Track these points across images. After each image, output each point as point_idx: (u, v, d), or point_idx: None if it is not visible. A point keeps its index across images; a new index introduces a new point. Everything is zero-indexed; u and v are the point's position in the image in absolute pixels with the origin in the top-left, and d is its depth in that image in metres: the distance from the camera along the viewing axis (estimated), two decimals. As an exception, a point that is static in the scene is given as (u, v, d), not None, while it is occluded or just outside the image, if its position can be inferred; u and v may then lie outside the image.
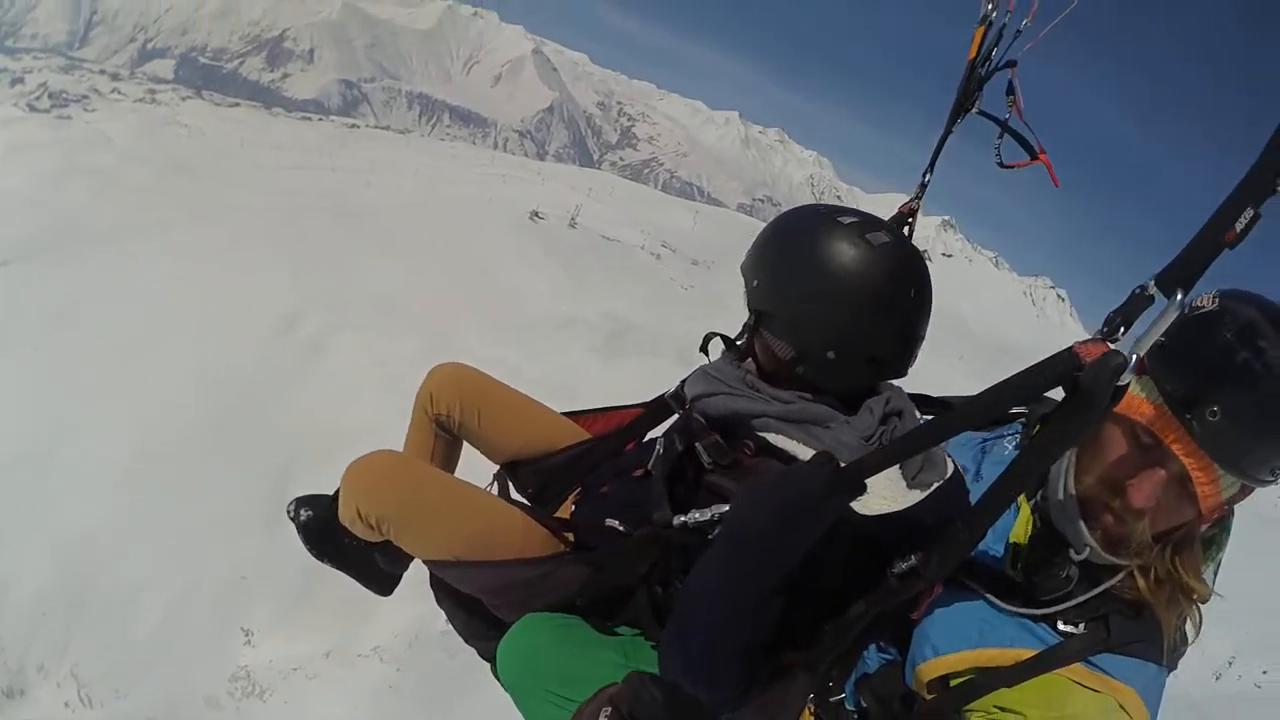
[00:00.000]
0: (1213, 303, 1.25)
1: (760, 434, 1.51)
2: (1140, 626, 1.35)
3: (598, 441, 2.13)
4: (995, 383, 1.09)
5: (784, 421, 1.49)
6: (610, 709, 1.27)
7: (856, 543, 1.33)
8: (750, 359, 1.68)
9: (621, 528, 1.69)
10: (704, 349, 1.80)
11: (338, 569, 2.05)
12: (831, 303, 1.48)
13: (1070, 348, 1.01)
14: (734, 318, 1.86)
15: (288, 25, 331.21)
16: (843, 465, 1.20)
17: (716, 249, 20.42)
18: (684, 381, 1.79)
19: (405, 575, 2.13)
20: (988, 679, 1.36)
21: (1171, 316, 0.94)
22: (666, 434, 1.73)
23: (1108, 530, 1.34)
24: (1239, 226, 0.92)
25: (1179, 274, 0.95)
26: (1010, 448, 1.66)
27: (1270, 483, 1.25)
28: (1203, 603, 1.37)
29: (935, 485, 1.42)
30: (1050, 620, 1.36)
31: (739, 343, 1.75)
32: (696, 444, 1.55)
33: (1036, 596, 1.37)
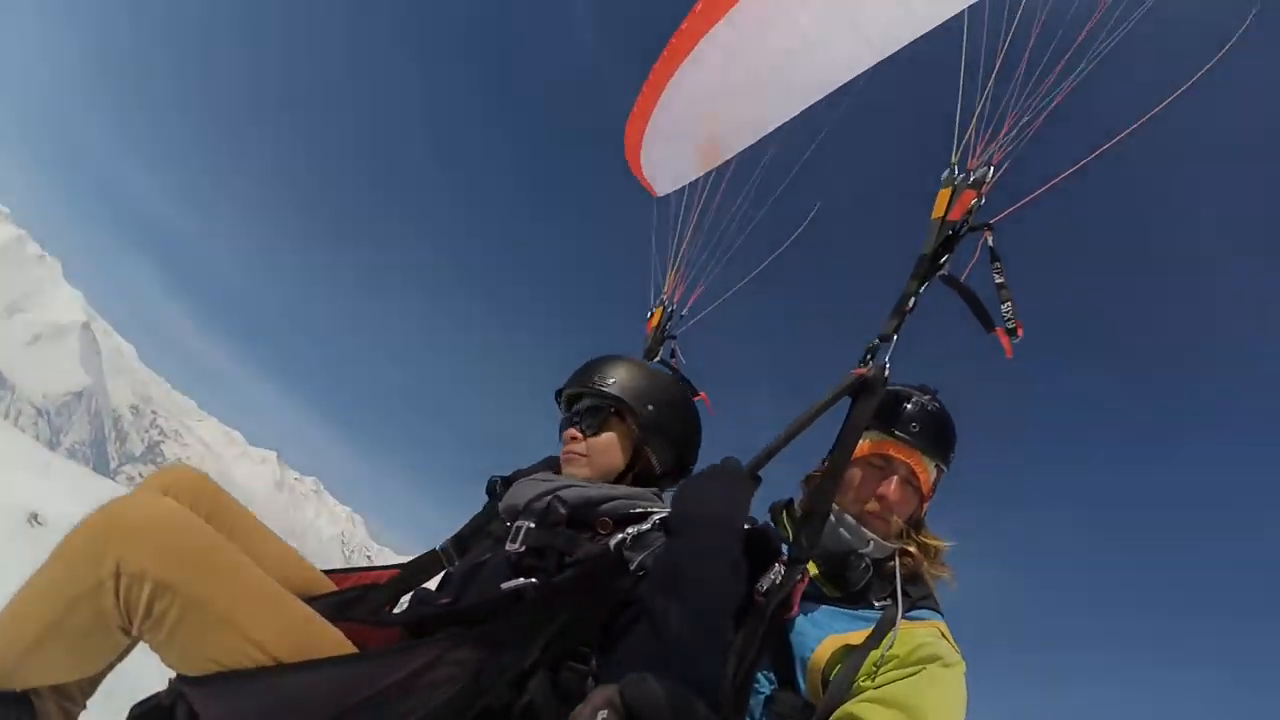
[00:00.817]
0: (892, 385, 2.16)
1: (607, 509, 1.83)
2: (920, 588, 2.08)
3: (371, 588, 2.01)
4: (810, 406, 1.89)
5: (630, 499, 1.88)
6: (607, 711, 1.21)
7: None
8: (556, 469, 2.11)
9: (523, 584, 1.67)
10: (489, 491, 2.20)
11: None
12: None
13: (853, 374, 1.96)
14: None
15: None
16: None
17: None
18: (480, 519, 2.18)
19: None
20: (853, 657, 1.86)
21: (889, 350, 2.03)
22: (514, 525, 1.88)
23: (879, 529, 2.13)
24: (911, 304, 2.10)
25: (885, 333, 2.07)
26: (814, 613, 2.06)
27: (950, 463, 2.24)
28: (945, 553, 2.18)
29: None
30: (867, 602, 2.02)
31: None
32: (559, 527, 1.81)
33: (850, 590, 2.04)
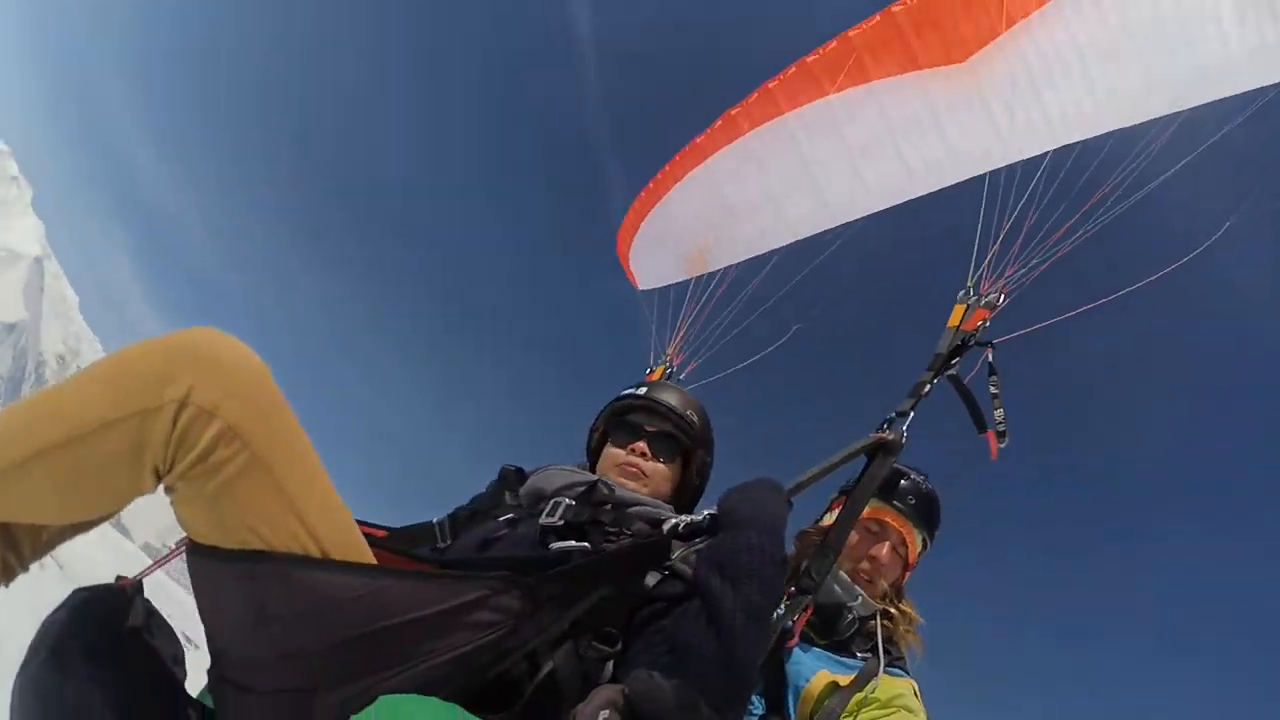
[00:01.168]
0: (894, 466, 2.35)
1: (637, 511, 1.88)
2: (896, 650, 2.25)
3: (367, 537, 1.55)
4: (834, 455, 2.10)
5: (656, 508, 1.94)
6: (609, 711, 1.19)
7: None
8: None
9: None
10: (500, 477, 2.14)
11: None
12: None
13: (873, 435, 2.19)
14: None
15: None
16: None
17: None
18: (484, 503, 2.08)
19: None
20: (840, 695, 2.05)
21: (906, 423, 2.28)
22: (551, 502, 1.86)
23: (866, 588, 2.32)
24: (927, 390, 2.35)
25: (903, 410, 2.31)
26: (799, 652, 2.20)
27: (934, 538, 2.49)
28: (918, 625, 2.34)
29: None
30: (850, 652, 2.19)
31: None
32: (604, 506, 1.84)
33: (835, 639, 2.21)
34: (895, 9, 3.21)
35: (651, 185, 3.69)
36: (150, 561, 1.57)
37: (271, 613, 1.26)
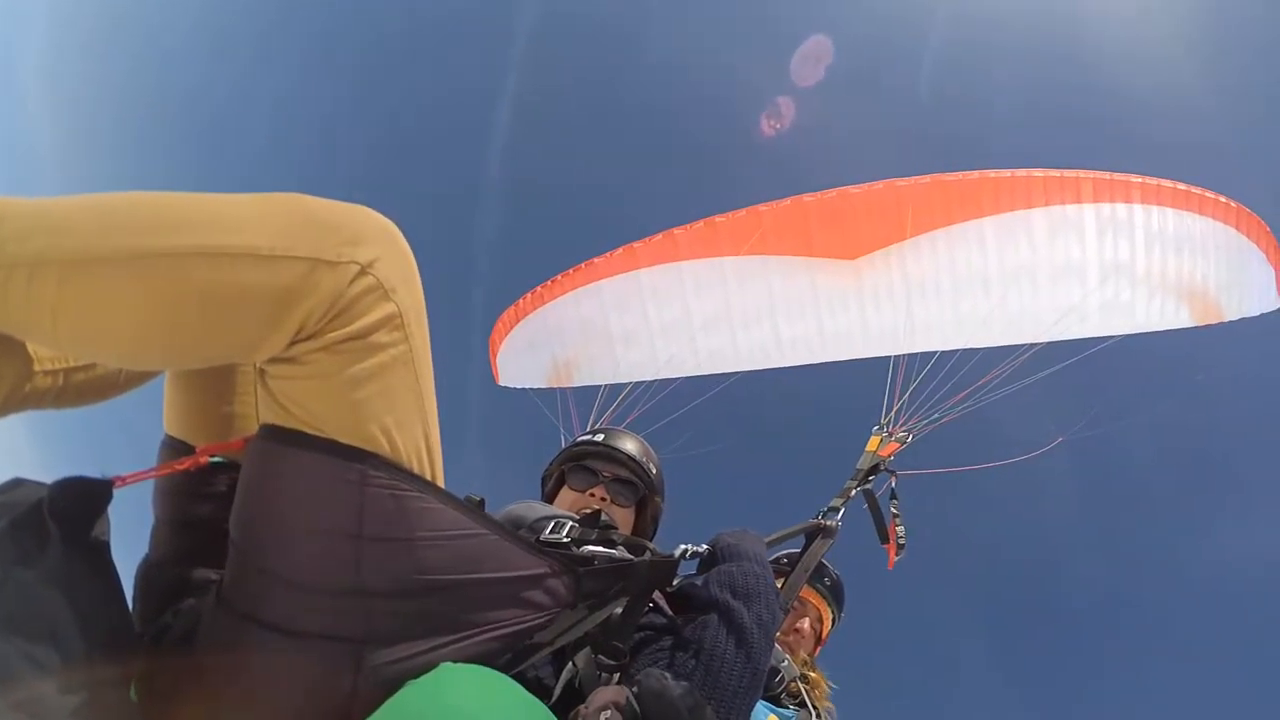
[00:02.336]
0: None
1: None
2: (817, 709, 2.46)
3: None
4: (781, 530, 2.23)
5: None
6: (611, 710, 1.15)
7: None
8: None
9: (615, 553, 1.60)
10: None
11: None
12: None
13: (813, 520, 2.40)
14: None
15: None
16: None
17: None
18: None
19: None
20: None
21: (840, 512, 2.53)
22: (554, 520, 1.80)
23: (790, 655, 2.50)
24: (853, 493, 2.68)
25: (834, 505, 2.56)
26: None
27: (841, 616, 2.88)
28: (828, 695, 2.56)
29: None
30: (780, 703, 2.33)
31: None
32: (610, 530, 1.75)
33: (769, 694, 2.30)
34: (808, 198, 3.36)
35: (540, 289, 3.66)
36: None
37: (369, 533, 1.11)
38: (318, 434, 1.09)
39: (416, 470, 1.16)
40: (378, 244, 1.08)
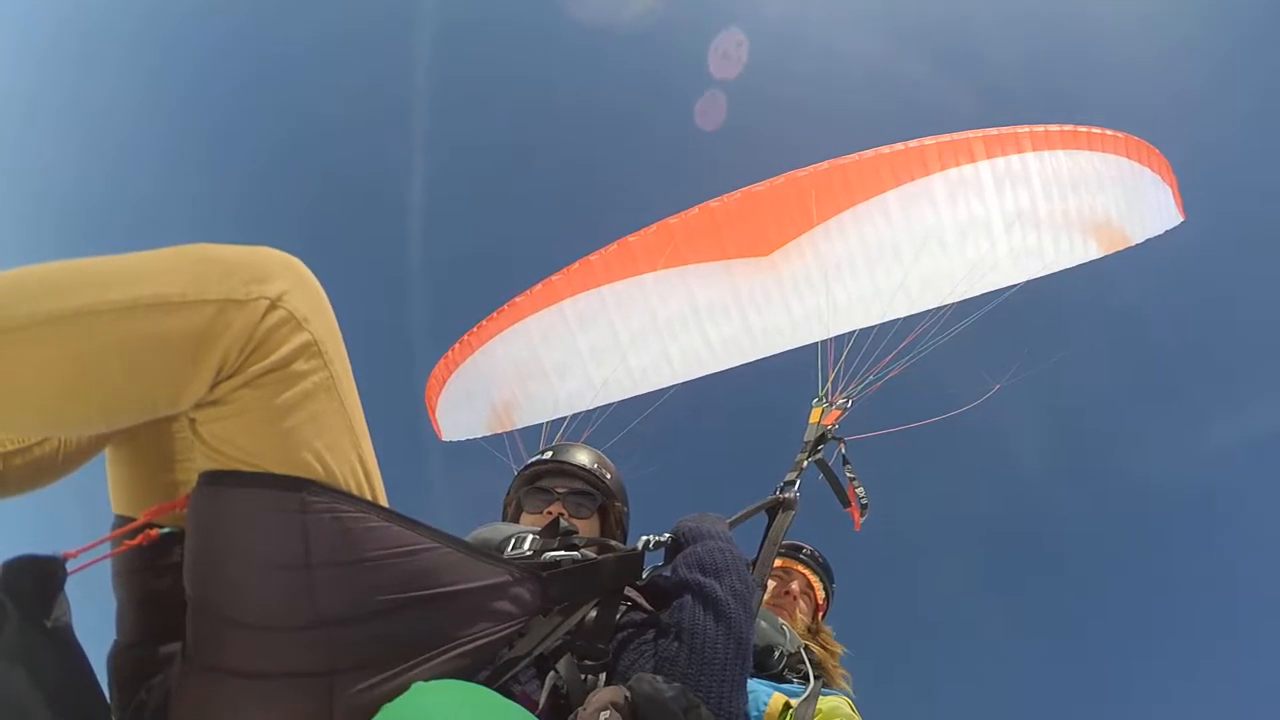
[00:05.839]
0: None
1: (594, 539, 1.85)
2: (826, 677, 2.45)
3: None
4: (742, 510, 2.09)
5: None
6: (610, 711, 1.15)
7: None
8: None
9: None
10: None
11: None
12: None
13: (772, 496, 2.22)
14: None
15: None
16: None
17: None
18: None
19: None
20: (798, 710, 2.11)
21: (796, 484, 2.38)
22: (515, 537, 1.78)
23: (788, 619, 2.62)
24: (805, 465, 2.56)
25: (789, 479, 2.40)
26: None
27: (833, 589, 2.96)
28: (840, 658, 2.61)
29: None
30: (784, 679, 2.30)
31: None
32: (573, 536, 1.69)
33: (768, 674, 2.29)
34: (713, 204, 3.38)
35: (466, 338, 3.62)
36: None
37: (316, 560, 1.12)
38: (253, 469, 1.11)
39: (355, 492, 1.18)
40: (283, 279, 1.12)
